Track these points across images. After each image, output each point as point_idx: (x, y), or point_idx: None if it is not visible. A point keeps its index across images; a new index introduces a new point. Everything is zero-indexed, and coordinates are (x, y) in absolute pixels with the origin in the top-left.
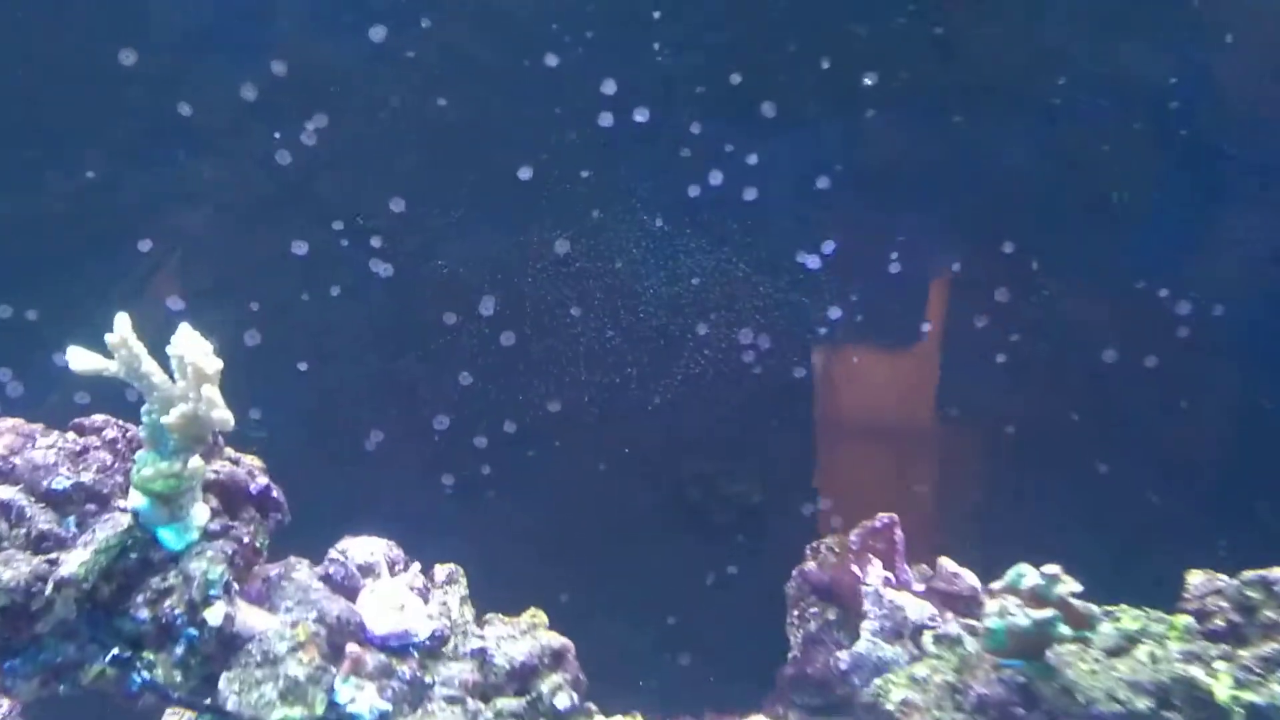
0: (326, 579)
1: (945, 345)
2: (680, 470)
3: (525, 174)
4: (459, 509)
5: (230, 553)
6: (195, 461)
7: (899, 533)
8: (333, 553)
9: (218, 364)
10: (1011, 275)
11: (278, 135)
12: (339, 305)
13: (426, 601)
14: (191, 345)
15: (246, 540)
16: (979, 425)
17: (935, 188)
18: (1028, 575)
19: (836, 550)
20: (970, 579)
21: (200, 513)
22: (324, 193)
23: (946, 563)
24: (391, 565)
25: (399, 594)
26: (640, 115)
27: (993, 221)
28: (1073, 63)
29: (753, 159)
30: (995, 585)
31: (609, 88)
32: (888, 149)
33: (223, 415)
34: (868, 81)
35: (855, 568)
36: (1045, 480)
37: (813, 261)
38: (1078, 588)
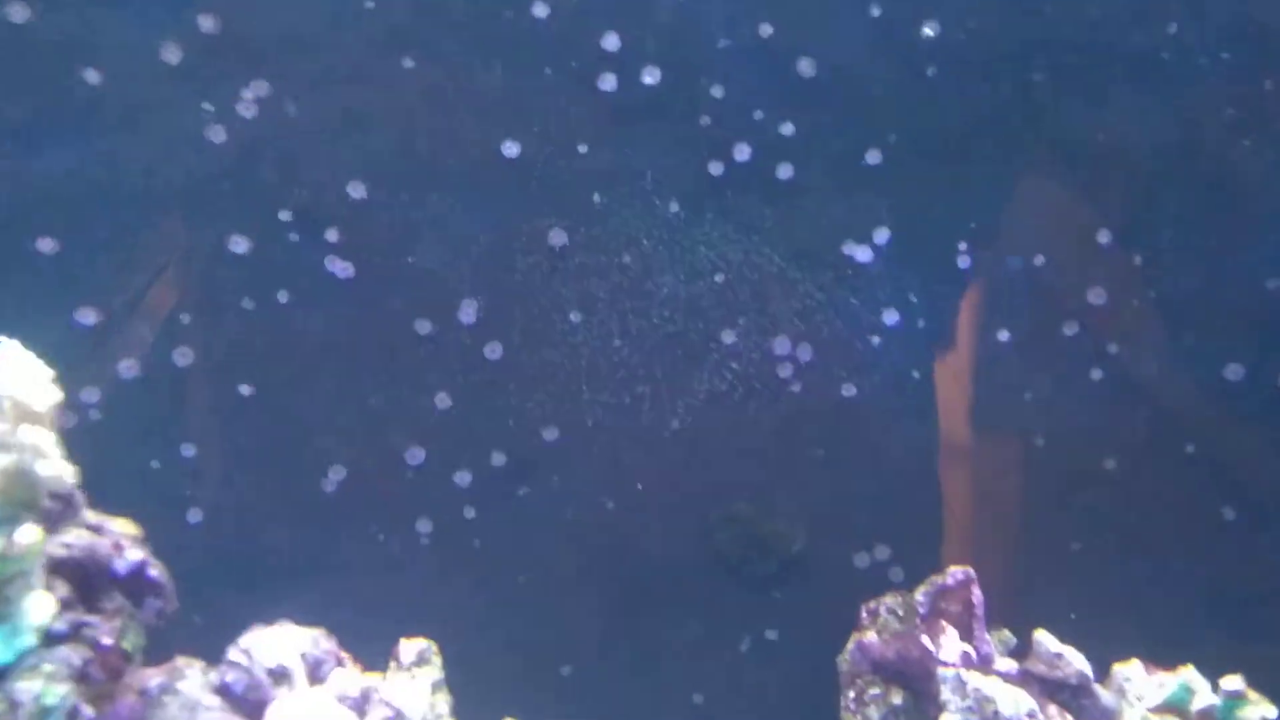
0: (224, 691)
1: (1027, 357)
2: (706, 511)
3: (511, 150)
4: (437, 562)
5: (81, 664)
6: (28, 534)
7: (977, 592)
8: (233, 653)
9: (51, 396)
10: (1109, 272)
11: (209, 107)
12: (288, 314)
13: (363, 716)
14: (12, 369)
15: (109, 641)
16: (1068, 455)
17: (1013, 164)
18: (1199, 692)
19: (901, 614)
20: (1078, 662)
21: (39, 607)
22: (267, 177)
23: (1045, 638)
24: (316, 667)
25: (321, 712)
26: (650, 76)
27: (1085, 206)
28: (1186, 6)
29: (788, 129)
30: (1137, 689)
31: (611, 43)
32: (953, 116)
33: (55, 469)
34: (928, 32)
35: (925, 638)
36: (1154, 527)
37: (863, 254)
38: (1271, 712)
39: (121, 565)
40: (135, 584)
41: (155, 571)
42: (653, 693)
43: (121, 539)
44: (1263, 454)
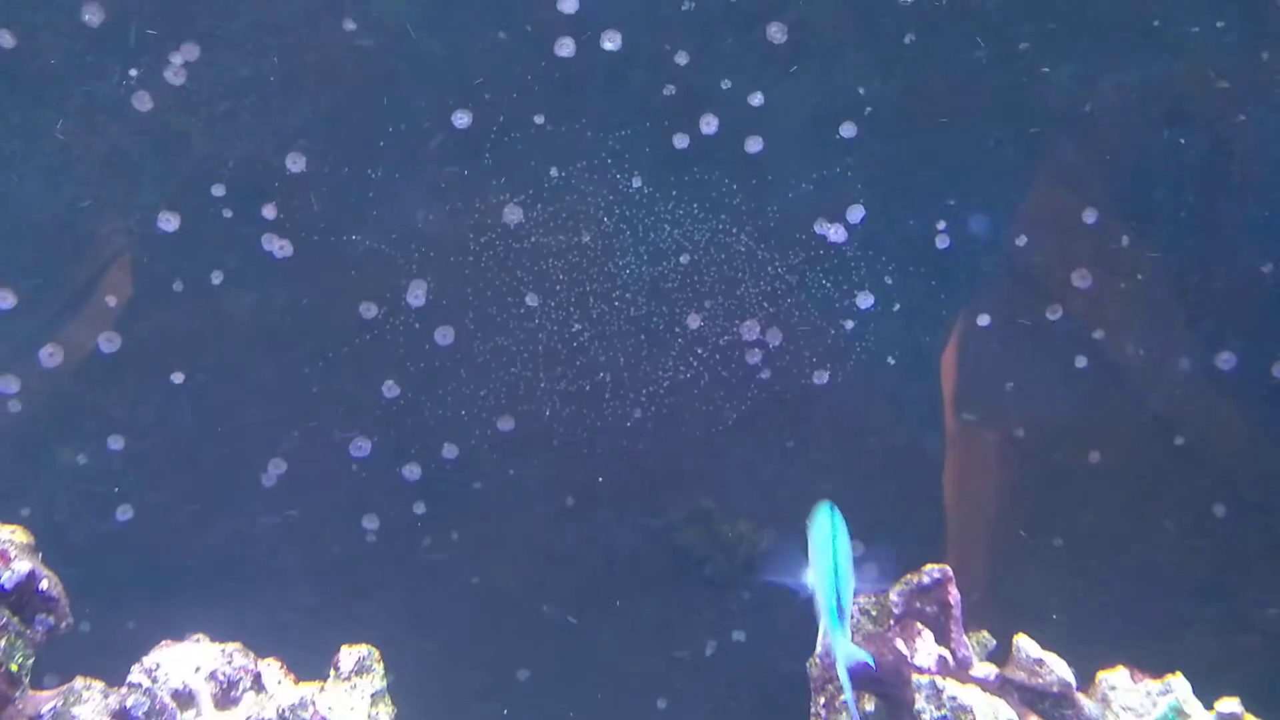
0: (123, 716)
1: (1007, 343)
2: (669, 506)
3: (463, 121)
4: (384, 561)
5: None
6: None
7: (954, 591)
8: (136, 673)
9: None
10: (1094, 253)
11: (134, 73)
12: (223, 296)
13: None
14: None
15: None
16: (1051, 447)
17: (995, 138)
18: (1192, 715)
19: (874, 614)
20: (1060, 669)
21: None
22: (198, 149)
23: (1026, 644)
24: (228, 687)
25: None
26: (610, 42)
27: (1071, 183)
28: None
29: (757, 99)
30: (1123, 699)
31: (569, 5)
32: (933, 88)
33: None
34: None
35: (899, 641)
36: (1140, 524)
37: (836, 233)
38: None
39: (8, 578)
40: (24, 598)
41: (47, 584)
42: (614, 698)
43: (8, 548)
44: (1253, 446)
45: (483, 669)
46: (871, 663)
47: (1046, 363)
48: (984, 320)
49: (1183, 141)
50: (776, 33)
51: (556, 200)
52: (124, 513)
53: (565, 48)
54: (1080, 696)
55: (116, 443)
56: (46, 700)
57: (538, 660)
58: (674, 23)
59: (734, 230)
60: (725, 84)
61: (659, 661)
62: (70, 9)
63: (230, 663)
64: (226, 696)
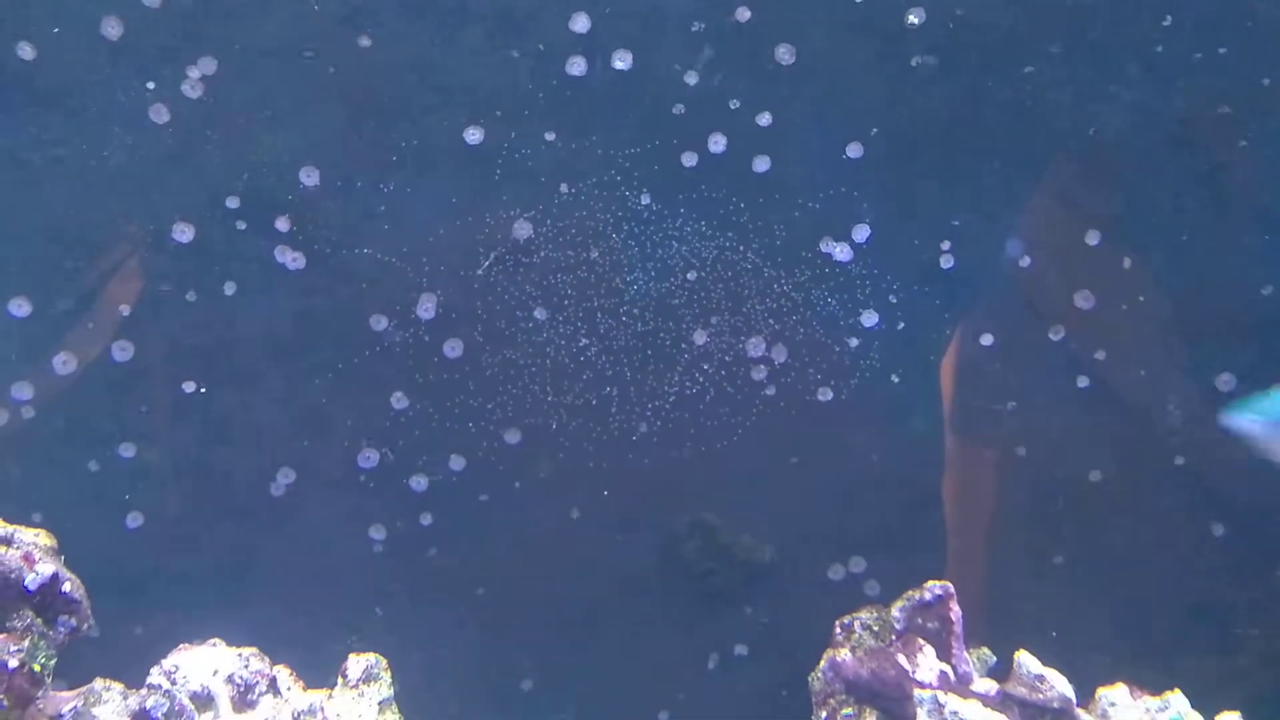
0: (143, 717)
1: (1010, 363)
2: (673, 520)
3: (474, 137)
4: (392, 571)
5: None
6: None
7: (955, 608)
8: (155, 674)
9: None
10: (1097, 274)
11: (151, 86)
12: (235, 307)
13: None
14: None
15: (16, 664)
16: (1052, 466)
17: (999, 159)
18: None
19: (876, 630)
20: (1061, 685)
21: None
22: (213, 161)
23: (1027, 660)
24: (245, 689)
25: None
26: (621, 61)
27: (1073, 204)
28: None
29: (765, 119)
30: (1122, 715)
31: (580, 25)
32: (938, 108)
33: None
34: (913, 20)
35: (901, 657)
36: (1139, 542)
37: (842, 252)
38: None
39: (31, 579)
40: (48, 600)
41: (70, 586)
42: (617, 710)
43: (33, 551)
44: (1255, 469)
45: (487, 678)
46: None
47: (1048, 382)
48: (987, 340)
49: (1184, 165)
50: (785, 54)
51: (566, 216)
52: (134, 519)
53: (577, 66)
54: (1080, 712)
55: (128, 450)
56: (67, 700)
57: (542, 672)
58: (684, 43)
59: (740, 248)
60: (734, 104)
61: (661, 673)
62: (90, 22)
63: (247, 667)
64: (243, 700)
